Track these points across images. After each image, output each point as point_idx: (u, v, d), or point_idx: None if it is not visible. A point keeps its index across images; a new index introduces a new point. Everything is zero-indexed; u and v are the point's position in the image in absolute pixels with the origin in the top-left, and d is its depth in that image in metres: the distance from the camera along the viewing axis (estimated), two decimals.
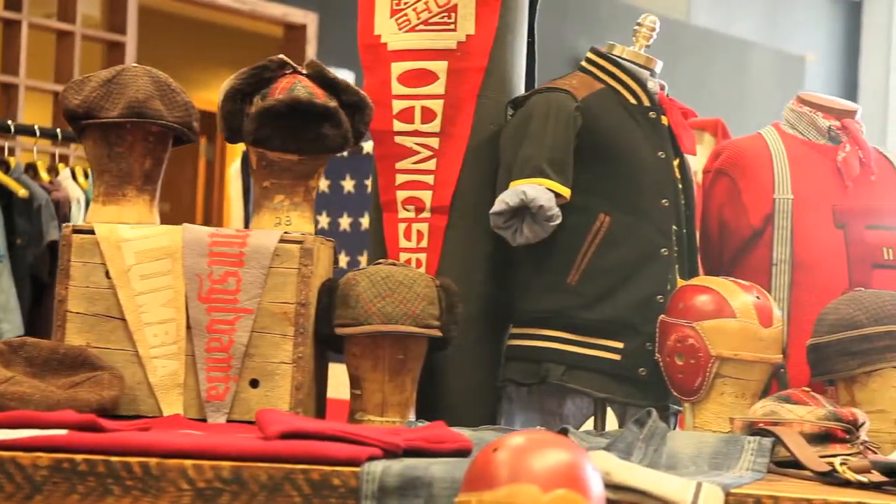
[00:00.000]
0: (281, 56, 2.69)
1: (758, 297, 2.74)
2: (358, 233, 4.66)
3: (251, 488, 2.04)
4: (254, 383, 2.55)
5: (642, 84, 2.92)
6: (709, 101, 9.34)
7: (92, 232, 2.59)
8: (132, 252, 2.58)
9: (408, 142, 2.88)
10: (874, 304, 2.63)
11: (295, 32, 7.90)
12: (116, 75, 2.66)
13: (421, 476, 2.02)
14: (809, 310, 2.82)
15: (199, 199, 10.11)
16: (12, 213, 4.63)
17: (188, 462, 2.06)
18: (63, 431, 2.15)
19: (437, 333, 2.62)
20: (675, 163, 2.92)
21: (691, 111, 2.98)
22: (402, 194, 2.89)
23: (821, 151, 3.03)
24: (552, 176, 2.75)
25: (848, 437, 2.35)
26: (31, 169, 4.88)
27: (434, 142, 2.87)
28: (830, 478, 2.15)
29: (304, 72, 2.69)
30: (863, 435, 2.38)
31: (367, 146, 4.29)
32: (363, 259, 4.58)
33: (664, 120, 2.92)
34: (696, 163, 3.12)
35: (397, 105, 2.87)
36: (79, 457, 2.07)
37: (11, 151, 4.93)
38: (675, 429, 2.90)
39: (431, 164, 2.87)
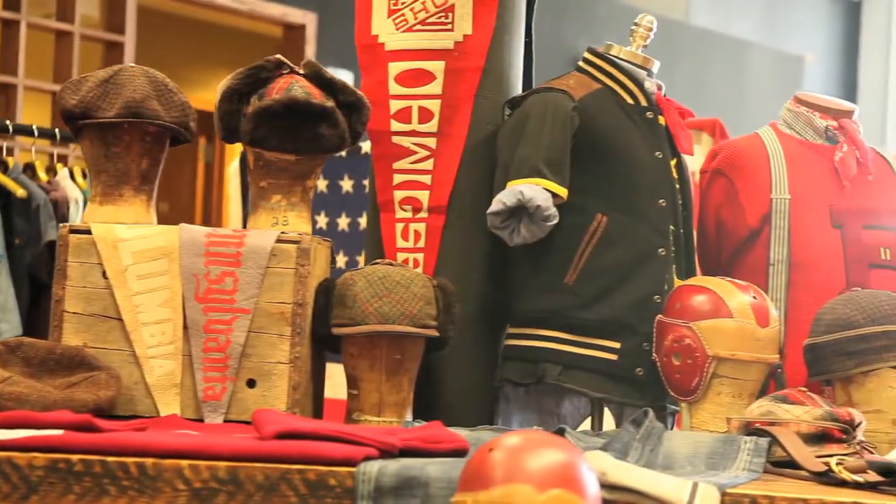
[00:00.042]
0: (278, 56, 2.69)
1: (755, 298, 2.74)
2: (356, 233, 4.65)
3: (247, 488, 2.04)
4: (251, 383, 2.55)
5: (639, 84, 2.91)
6: (708, 101, 9.34)
7: (89, 232, 2.60)
8: (129, 252, 2.58)
9: (405, 142, 2.88)
10: (871, 304, 2.63)
11: (294, 32, 7.89)
12: (113, 75, 2.66)
13: (417, 476, 2.02)
14: (806, 310, 2.81)
15: (199, 200, 10.10)
16: (11, 213, 4.62)
17: (184, 462, 2.06)
18: (59, 431, 2.15)
19: (434, 333, 2.62)
20: (673, 163, 2.92)
21: (688, 111, 2.97)
22: (399, 194, 2.89)
23: (818, 151, 3.03)
24: (549, 176, 2.74)
25: (844, 437, 2.35)
26: (30, 169, 4.87)
27: (431, 142, 2.87)
28: (827, 478, 2.15)
29: (302, 72, 2.69)
30: (859, 435, 2.38)
31: (366, 146, 4.29)
32: (361, 259, 4.56)
33: (661, 120, 2.92)
34: (694, 163, 3.12)
35: (394, 105, 2.87)
36: (75, 457, 2.07)
37: (10, 151, 4.93)
38: (671, 429, 2.90)
39: (429, 164, 2.87)
